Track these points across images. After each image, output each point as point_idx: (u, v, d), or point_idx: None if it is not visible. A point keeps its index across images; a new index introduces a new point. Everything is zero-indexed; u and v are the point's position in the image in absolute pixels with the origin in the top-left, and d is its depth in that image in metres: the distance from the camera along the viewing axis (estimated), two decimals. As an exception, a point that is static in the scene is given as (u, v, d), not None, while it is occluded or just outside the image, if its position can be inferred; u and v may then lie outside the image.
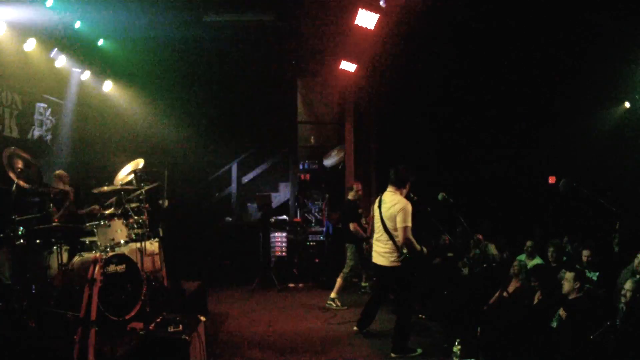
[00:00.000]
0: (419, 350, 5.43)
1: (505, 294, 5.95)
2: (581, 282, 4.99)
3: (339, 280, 7.54)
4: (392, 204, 5.43)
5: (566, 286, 5.02)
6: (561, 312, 4.93)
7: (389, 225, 5.44)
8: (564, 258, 6.73)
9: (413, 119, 9.62)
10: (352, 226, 7.52)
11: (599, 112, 9.21)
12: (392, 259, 5.45)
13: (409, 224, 5.30)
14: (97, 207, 6.79)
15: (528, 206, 9.32)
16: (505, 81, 9.05)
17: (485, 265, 7.20)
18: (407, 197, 5.60)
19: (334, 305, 7.43)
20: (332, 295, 7.51)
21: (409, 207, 5.38)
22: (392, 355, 5.43)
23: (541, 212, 9.22)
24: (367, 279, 8.36)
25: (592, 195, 6.03)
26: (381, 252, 5.56)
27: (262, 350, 5.68)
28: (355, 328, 6.22)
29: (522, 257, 6.86)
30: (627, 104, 9.00)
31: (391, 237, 5.42)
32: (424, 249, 5.53)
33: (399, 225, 5.32)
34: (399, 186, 5.54)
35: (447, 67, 8.95)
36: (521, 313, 5.50)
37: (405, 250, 5.37)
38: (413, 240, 5.33)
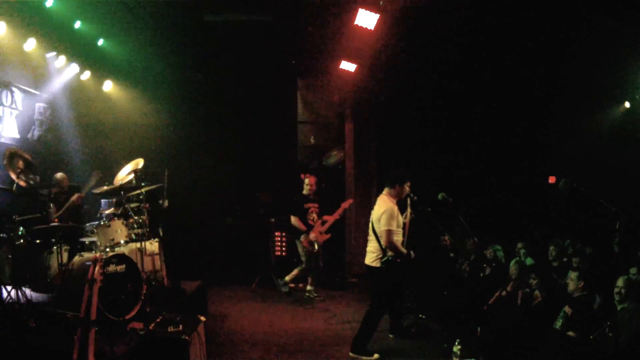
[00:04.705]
0: (376, 356, 5.41)
1: (504, 294, 5.96)
2: (585, 281, 5.06)
3: (295, 270, 8.04)
4: (379, 207, 5.54)
5: (571, 285, 5.11)
6: (567, 309, 4.97)
7: (375, 226, 5.53)
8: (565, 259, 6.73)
9: (413, 118, 9.61)
10: (292, 219, 7.83)
11: (599, 112, 9.20)
12: (373, 258, 5.55)
13: (392, 228, 5.37)
14: (76, 196, 6.62)
15: (528, 206, 9.31)
16: (505, 81, 9.05)
17: (485, 266, 7.20)
18: (406, 197, 5.64)
19: (284, 288, 8.03)
20: (287, 278, 8.05)
21: (394, 210, 5.47)
22: (350, 354, 5.46)
23: (541, 212, 9.21)
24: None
25: (592, 195, 6.02)
26: (367, 251, 5.70)
27: (262, 350, 5.68)
28: (390, 335, 6.14)
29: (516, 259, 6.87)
30: (627, 104, 8.99)
31: (377, 237, 5.51)
32: (412, 253, 5.55)
33: (382, 228, 5.40)
34: (389, 186, 5.65)
35: (448, 66, 8.95)
36: (521, 313, 5.51)
37: (389, 253, 5.39)
38: (397, 244, 5.39)
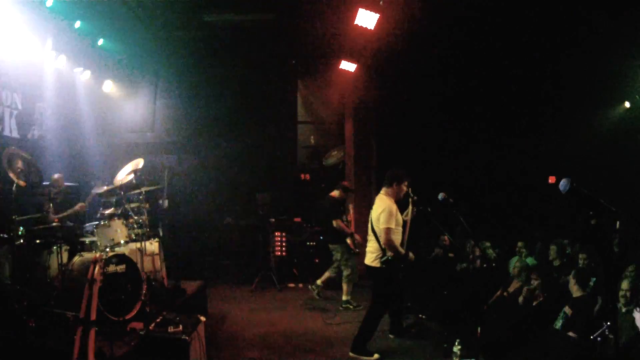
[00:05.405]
0: (376, 356, 5.39)
1: (505, 293, 5.96)
2: (578, 281, 5.05)
3: (344, 286, 7.50)
4: (378, 206, 5.54)
5: (570, 285, 5.10)
6: (567, 309, 4.97)
7: (375, 226, 5.53)
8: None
9: (413, 118, 9.61)
10: (335, 223, 7.46)
11: (599, 111, 9.20)
12: (373, 258, 5.54)
13: (391, 226, 5.36)
14: (79, 205, 6.80)
15: (528, 206, 9.31)
16: (505, 81, 9.05)
17: (485, 265, 7.19)
18: (405, 196, 5.64)
19: (351, 307, 7.38)
20: (344, 298, 7.48)
21: (393, 208, 5.46)
22: (350, 354, 5.44)
23: (541, 213, 9.21)
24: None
25: (592, 195, 6.01)
26: (367, 251, 5.68)
27: (262, 351, 5.68)
28: (390, 335, 6.11)
29: (516, 259, 6.85)
30: (627, 104, 9.00)
31: (376, 237, 5.50)
32: (410, 254, 5.54)
33: (381, 226, 5.40)
34: (387, 185, 5.65)
35: (447, 67, 8.95)
36: (521, 313, 5.51)
37: (389, 253, 5.39)
38: (395, 243, 5.38)
